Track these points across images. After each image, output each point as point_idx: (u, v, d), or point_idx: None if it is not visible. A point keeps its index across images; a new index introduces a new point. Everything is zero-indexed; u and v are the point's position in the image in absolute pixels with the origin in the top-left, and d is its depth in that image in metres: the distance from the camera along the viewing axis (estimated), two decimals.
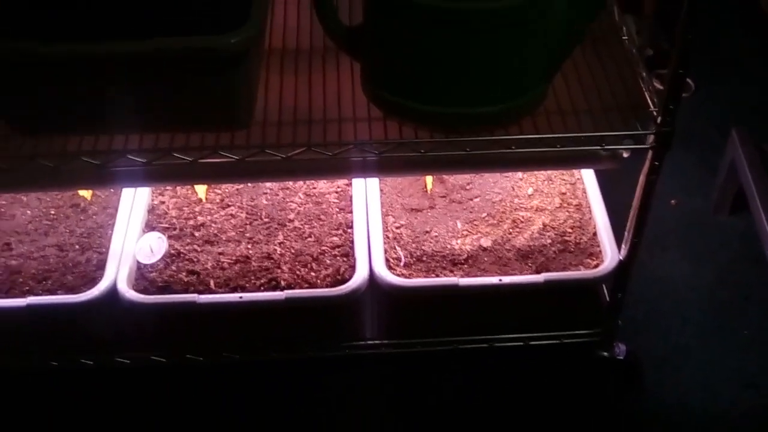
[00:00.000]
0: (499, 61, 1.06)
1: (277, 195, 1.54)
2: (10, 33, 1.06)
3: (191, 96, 1.09)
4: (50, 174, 1.18)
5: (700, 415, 1.50)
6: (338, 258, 1.45)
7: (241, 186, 1.55)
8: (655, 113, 1.18)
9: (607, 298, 1.50)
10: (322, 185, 1.55)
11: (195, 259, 1.45)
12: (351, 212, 1.49)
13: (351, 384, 1.56)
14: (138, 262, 1.44)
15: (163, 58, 1.03)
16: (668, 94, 1.14)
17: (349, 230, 1.48)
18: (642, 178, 1.25)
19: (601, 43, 1.31)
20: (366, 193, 1.50)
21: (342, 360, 1.54)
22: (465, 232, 1.47)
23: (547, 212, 1.49)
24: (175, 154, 1.15)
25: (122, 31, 1.04)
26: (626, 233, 1.35)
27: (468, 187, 1.53)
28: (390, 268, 1.40)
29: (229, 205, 1.53)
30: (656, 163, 1.22)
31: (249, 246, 1.47)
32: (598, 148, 1.18)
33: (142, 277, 1.43)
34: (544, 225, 1.47)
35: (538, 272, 1.41)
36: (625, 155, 1.23)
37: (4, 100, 1.11)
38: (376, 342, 1.51)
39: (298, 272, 1.43)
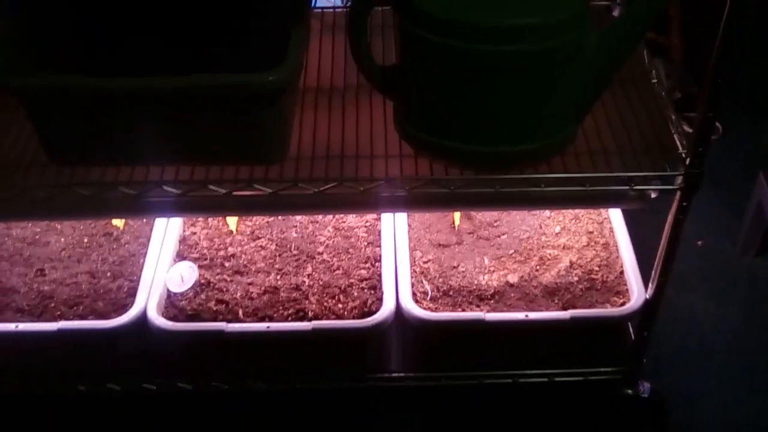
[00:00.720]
0: (531, 102, 1.08)
1: (307, 228, 1.56)
2: (51, 66, 1.09)
3: (227, 130, 1.11)
4: (86, 203, 1.20)
5: None
6: (366, 290, 1.46)
7: (272, 219, 1.58)
8: (683, 155, 1.20)
9: (633, 337, 1.50)
10: (351, 219, 1.57)
11: (224, 289, 1.47)
12: (379, 246, 1.51)
13: (375, 416, 1.56)
14: (168, 291, 1.46)
15: (202, 93, 1.06)
16: (697, 136, 1.15)
17: (376, 264, 1.49)
18: (670, 218, 1.25)
19: (631, 85, 1.33)
20: (394, 228, 1.51)
21: (367, 392, 1.55)
22: (492, 268, 1.48)
23: (574, 250, 1.50)
24: (210, 187, 1.17)
25: (159, 66, 1.07)
26: (653, 272, 1.35)
27: (496, 224, 1.55)
28: (417, 301, 1.42)
29: (259, 237, 1.55)
30: (684, 203, 1.23)
31: (278, 277, 1.48)
32: (627, 188, 1.19)
33: (172, 305, 1.45)
34: (571, 263, 1.48)
35: (564, 309, 1.41)
36: (653, 196, 1.24)
37: (43, 130, 1.14)
38: (401, 375, 1.52)
39: (325, 304, 1.44)
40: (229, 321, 1.41)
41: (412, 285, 1.44)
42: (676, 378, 1.61)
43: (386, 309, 1.40)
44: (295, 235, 1.55)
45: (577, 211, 1.56)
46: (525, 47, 1.02)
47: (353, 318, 1.42)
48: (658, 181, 1.21)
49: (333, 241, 1.54)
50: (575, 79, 1.08)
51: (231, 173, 1.19)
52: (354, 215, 1.57)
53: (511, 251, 1.51)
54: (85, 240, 1.56)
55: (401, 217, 1.53)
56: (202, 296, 1.46)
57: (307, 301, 1.45)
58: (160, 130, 1.12)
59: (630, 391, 1.54)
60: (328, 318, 1.43)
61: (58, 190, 1.18)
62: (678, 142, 1.22)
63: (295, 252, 1.52)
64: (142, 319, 1.41)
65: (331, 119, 1.28)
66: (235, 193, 1.18)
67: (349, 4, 1.13)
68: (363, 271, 1.49)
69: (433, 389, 1.55)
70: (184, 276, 1.47)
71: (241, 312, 1.43)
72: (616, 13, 1.49)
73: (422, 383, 1.53)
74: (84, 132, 1.12)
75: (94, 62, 1.07)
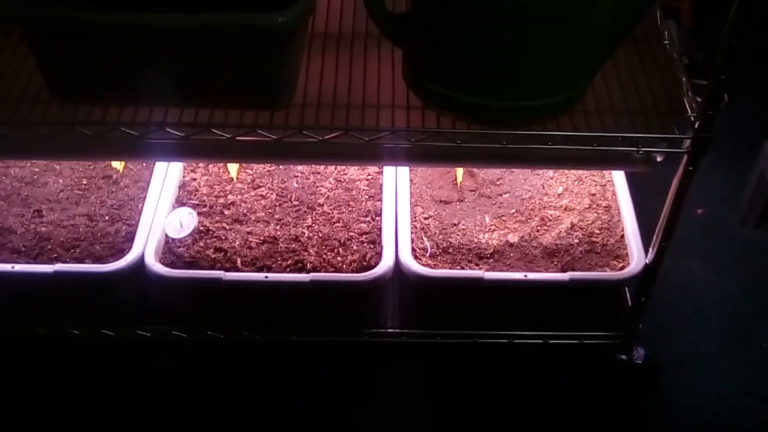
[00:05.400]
0: (543, 55, 1.06)
1: (308, 179, 1.55)
2: (58, 1, 1.07)
3: (234, 73, 1.10)
4: (88, 142, 1.19)
5: (715, 425, 1.50)
6: (365, 244, 1.45)
7: (273, 168, 1.56)
8: (692, 118, 1.19)
9: (630, 302, 1.50)
10: (353, 172, 1.56)
11: (223, 237, 1.46)
12: (380, 200, 1.50)
13: (369, 372, 1.56)
14: (167, 237, 1.45)
15: (211, 33, 1.04)
16: (708, 99, 1.14)
17: (377, 218, 1.48)
18: (675, 182, 1.25)
19: (643, 46, 1.32)
20: (396, 183, 1.50)
21: (362, 347, 1.55)
22: (492, 227, 1.48)
23: (575, 212, 1.50)
24: (214, 130, 1.16)
25: (168, 3, 1.05)
26: (654, 237, 1.35)
27: (498, 183, 1.54)
28: (416, 257, 1.41)
29: (259, 186, 1.54)
30: (691, 168, 1.22)
31: (277, 227, 1.48)
32: (634, 149, 1.18)
33: (170, 251, 1.44)
34: (572, 224, 1.47)
35: (563, 271, 1.41)
36: (659, 159, 1.23)
37: (47, 66, 1.12)
38: (397, 331, 1.52)
39: (324, 256, 1.44)
40: (227, 270, 1.40)
41: (412, 241, 1.43)
42: (671, 345, 1.61)
43: (385, 264, 1.39)
44: (296, 185, 1.54)
45: (580, 172, 1.55)
46: None
47: (352, 272, 1.42)
48: (666, 144, 1.20)
49: (334, 193, 1.53)
50: (589, 34, 1.06)
51: (235, 118, 1.18)
52: (356, 168, 1.56)
53: (513, 210, 1.50)
54: (84, 182, 1.55)
55: (403, 172, 1.52)
56: (201, 243, 1.45)
57: (306, 253, 1.44)
58: (166, 70, 1.10)
59: (624, 357, 1.54)
60: (326, 270, 1.42)
61: (60, 128, 1.17)
62: (687, 105, 1.21)
63: (296, 203, 1.51)
64: (140, 264, 1.40)
65: (338, 67, 1.26)
66: (238, 138, 1.17)
67: None
68: (363, 225, 1.48)
69: (428, 346, 1.55)
70: (183, 222, 1.46)
71: (239, 261, 1.43)
72: None
73: (418, 340, 1.53)
74: (89, 69, 1.10)
75: None
